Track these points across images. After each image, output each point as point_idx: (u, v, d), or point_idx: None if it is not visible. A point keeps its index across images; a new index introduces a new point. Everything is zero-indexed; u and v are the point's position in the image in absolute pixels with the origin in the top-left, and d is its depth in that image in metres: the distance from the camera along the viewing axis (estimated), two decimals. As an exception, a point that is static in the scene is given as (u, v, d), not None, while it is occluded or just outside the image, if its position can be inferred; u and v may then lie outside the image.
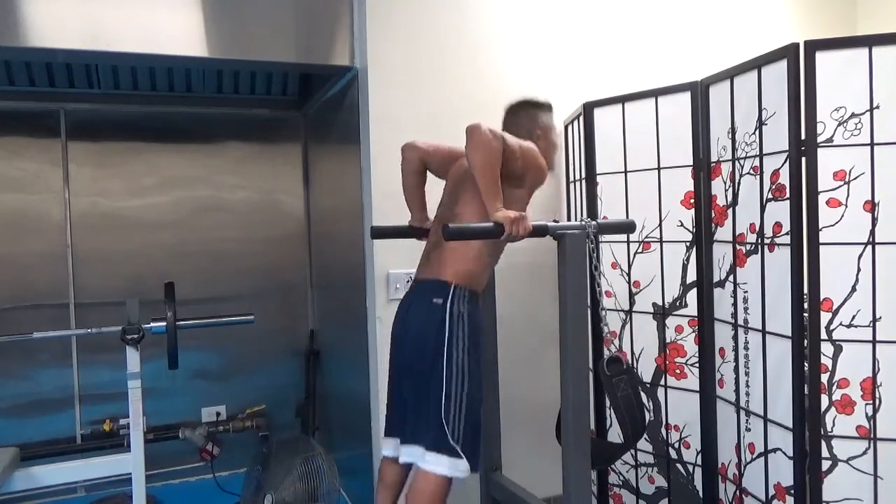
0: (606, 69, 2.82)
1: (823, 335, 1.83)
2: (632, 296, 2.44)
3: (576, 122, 2.62)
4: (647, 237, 2.38)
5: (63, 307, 3.12)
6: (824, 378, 1.84)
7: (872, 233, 1.78)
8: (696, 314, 2.28)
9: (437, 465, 1.80)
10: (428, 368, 1.84)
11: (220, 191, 3.38)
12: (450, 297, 1.85)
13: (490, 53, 2.65)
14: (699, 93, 2.21)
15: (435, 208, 2.11)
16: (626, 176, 2.42)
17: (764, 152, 1.95)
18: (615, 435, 2.46)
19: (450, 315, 1.84)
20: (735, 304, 2.11)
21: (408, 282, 2.49)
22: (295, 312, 3.54)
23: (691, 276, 2.28)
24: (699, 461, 2.30)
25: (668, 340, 2.35)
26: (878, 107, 1.76)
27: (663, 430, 2.39)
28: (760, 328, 1.99)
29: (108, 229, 3.18)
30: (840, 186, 1.80)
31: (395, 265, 2.49)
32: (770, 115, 1.92)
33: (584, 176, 2.55)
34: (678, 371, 2.34)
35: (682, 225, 2.29)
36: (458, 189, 1.99)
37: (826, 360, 1.83)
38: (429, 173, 2.15)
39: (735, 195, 2.09)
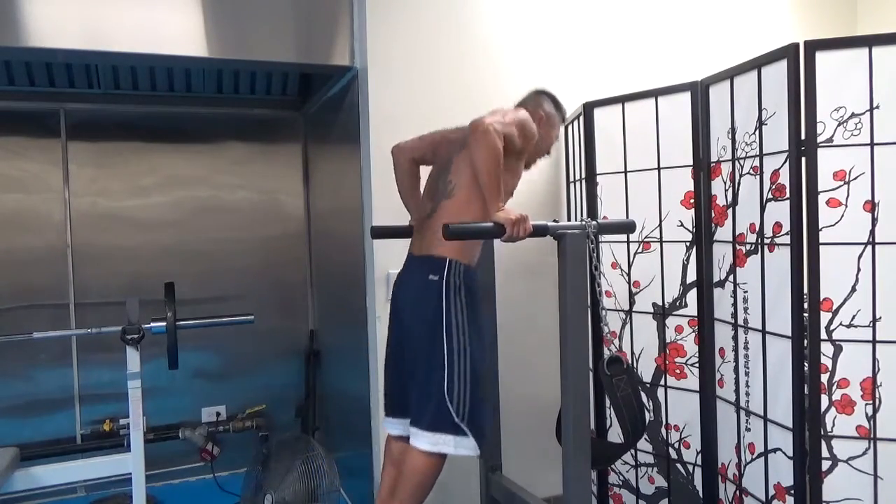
0: (606, 69, 2.82)
1: (823, 335, 1.83)
2: (632, 296, 2.44)
3: (576, 122, 2.62)
4: (647, 237, 2.38)
5: (63, 307, 3.12)
6: (824, 378, 1.84)
7: (872, 233, 1.78)
8: (696, 314, 2.28)
9: (439, 445, 1.77)
10: (428, 344, 1.82)
11: (220, 191, 3.38)
12: (445, 271, 1.84)
13: (490, 53, 2.65)
14: (699, 93, 2.21)
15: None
16: (626, 176, 2.42)
17: (764, 152, 1.96)
18: (615, 435, 2.46)
19: (446, 287, 1.82)
20: (735, 304, 2.11)
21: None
22: (295, 312, 3.54)
23: (691, 276, 2.28)
24: (699, 461, 2.30)
25: (668, 340, 2.35)
26: (878, 107, 1.77)
27: (663, 430, 2.39)
28: (760, 328, 1.99)
29: (108, 229, 3.18)
30: (840, 186, 1.80)
31: (395, 265, 2.48)
32: (770, 115, 1.92)
33: (584, 176, 2.55)
34: (678, 371, 2.34)
35: (682, 225, 2.29)
36: (450, 157, 1.97)
37: (826, 360, 1.83)
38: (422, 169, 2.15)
39: (735, 195, 2.09)
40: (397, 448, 2.02)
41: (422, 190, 2.12)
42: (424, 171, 2.15)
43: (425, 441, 1.78)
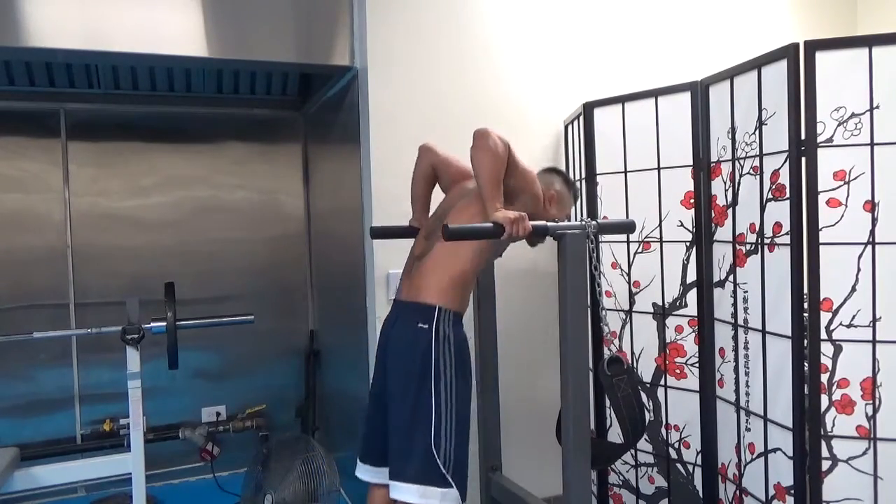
0: (606, 69, 2.82)
1: (823, 335, 1.83)
2: (632, 296, 2.44)
3: (576, 122, 2.62)
4: (647, 237, 2.38)
5: (63, 307, 3.12)
6: (824, 378, 1.84)
7: (872, 233, 1.78)
8: (696, 314, 2.28)
9: (426, 497, 1.73)
10: (415, 394, 1.78)
11: (220, 191, 3.38)
12: (435, 320, 1.79)
13: (490, 53, 2.65)
14: (699, 93, 2.21)
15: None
16: (626, 176, 2.42)
17: (764, 152, 1.95)
18: (615, 435, 2.46)
19: (436, 338, 1.78)
20: (735, 304, 2.11)
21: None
22: (295, 312, 3.54)
23: (691, 276, 2.28)
24: (699, 461, 2.30)
25: (668, 340, 2.35)
26: (878, 107, 1.76)
27: (663, 430, 2.39)
28: (760, 328, 1.99)
29: (108, 229, 3.18)
30: (840, 186, 1.80)
31: (395, 265, 2.49)
32: (770, 115, 1.92)
33: (584, 176, 2.55)
34: (678, 371, 2.33)
35: (682, 225, 2.29)
36: (452, 204, 1.97)
37: (826, 360, 1.83)
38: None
39: (735, 195, 2.09)
40: (381, 498, 1.96)
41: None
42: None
43: (412, 494, 1.74)
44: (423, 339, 1.79)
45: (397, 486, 1.77)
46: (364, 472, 1.99)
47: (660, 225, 2.34)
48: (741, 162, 2.05)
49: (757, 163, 1.98)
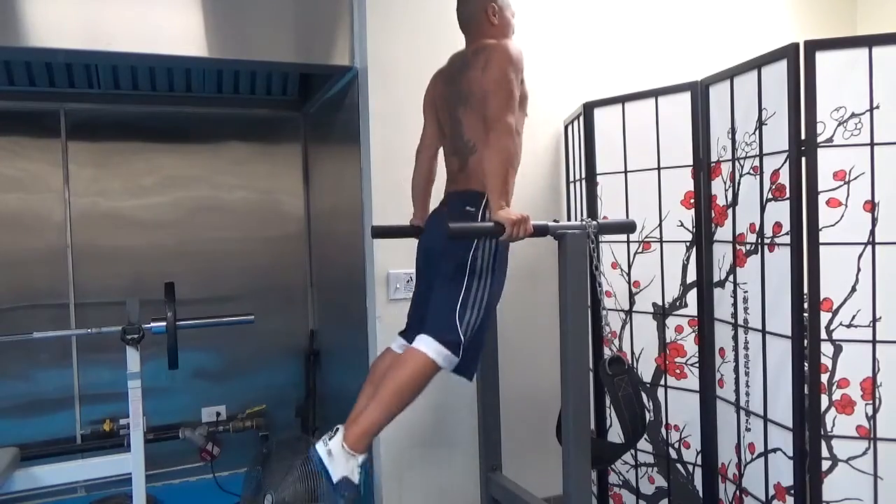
0: (606, 69, 2.82)
1: (823, 335, 1.83)
2: (632, 296, 2.44)
3: (576, 122, 2.62)
4: (647, 237, 2.38)
5: (63, 307, 3.11)
6: (824, 378, 1.84)
7: (872, 233, 1.78)
8: (696, 314, 2.28)
9: (432, 350, 1.77)
10: (454, 269, 1.85)
11: (220, 191, 3.38)
12: (482, 205, 1.86)
13: (490, 53, 2.65)
14: (699, 93, 2.21)
15: (433, 207, 2.11)
16: (626, 176, 2.42)
17: (764, 152, 1.96)
18: (615, 435, 2.46)
19: (481, 221, 1.85)
20: (735, 304, 2.11)
21: (408, 281, 2.50)
22: (295, 312, 3.54)
23: (691, 276, 2.28)
24: (699, 461, 2.30)
25: (668, 340, 2.35)
26: (878, 107, 1.77)
27: (663, 430, 2.39)
28: (760, 328, 1.99)
29: (108, 229, 3.18)
30: (840, 186, 1.80)
31: (395, 265, 2.49)
32: (770, 115, 1.92)
33: (584, 176, 2.55)
34: (678, 371, 2.34)
35: (682, 225, 2.29)
36: (456, 114, 1.97)
37: (826, 360, 1.83)
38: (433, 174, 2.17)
39: (735, 195, 2.09)
40: (383, 365, 1.99)
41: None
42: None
43: (428, 344, 1.79)
44: (469, 221, 1.86)
45: (420, 337, 1.83)
46: (396, 343, 2.05)
47: (660, 225, 2.34)
48: (741, 162, 2.05)
49: (757, 163, 1.98)
